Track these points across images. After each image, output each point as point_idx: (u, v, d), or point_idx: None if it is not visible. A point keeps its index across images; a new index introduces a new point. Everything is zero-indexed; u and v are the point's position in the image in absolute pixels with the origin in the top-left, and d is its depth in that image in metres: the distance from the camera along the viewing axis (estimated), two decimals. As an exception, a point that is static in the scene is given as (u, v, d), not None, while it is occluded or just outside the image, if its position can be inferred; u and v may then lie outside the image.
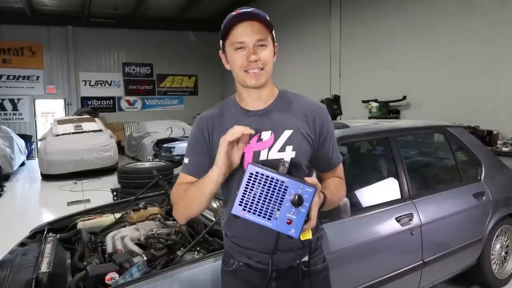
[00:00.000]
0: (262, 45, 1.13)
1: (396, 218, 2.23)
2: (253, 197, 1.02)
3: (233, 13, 1.13)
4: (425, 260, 2.34)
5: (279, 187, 1.02)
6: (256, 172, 1.03)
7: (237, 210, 1.03)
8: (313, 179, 1.04)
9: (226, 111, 1.26)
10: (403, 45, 6.85)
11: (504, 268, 3.01)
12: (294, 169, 1.15)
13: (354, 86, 8.01)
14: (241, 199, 1.03)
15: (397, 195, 2.36)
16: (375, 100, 7.03)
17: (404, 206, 2.32)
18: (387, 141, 2.46)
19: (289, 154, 1.16)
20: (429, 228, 2.35)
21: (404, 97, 6.68)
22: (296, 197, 0.99)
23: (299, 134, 1.19)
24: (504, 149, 4.69)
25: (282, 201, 1.01)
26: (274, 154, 1.16)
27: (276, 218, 1.01)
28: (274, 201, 1.02)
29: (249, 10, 1.13)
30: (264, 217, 1.02)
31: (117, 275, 1.74)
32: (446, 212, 2.48)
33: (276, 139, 1.18)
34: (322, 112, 1.25)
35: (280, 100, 1.24)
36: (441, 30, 6.13)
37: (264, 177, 1.02)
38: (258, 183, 1.02)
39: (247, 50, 1.13)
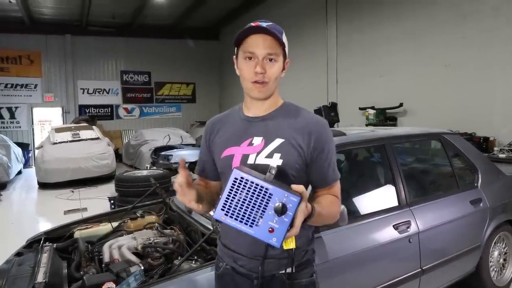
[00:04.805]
0: (271, 60, 1.19)
1: (393, 226, 2.23)
2: (236, 202, 1.00)
3: (252, 24, 1.18)
4: (423, 268, 2.34)
5: (263, 194, 0.99)
6: (241, 178, 1.01)
7: (219, 214, 1.02)
8: (299, 186, 1.01)
9: (230, 116, 1.36)
10: (399, 52, 6.90)
11: (502, 275, 3.01)
12: (280, 177, 1.15)
13: (351, 93, 8.06)
14: (224, 203, 1.01)
15: (395, 203, 2.36)
16: (372, 107, 7.07)
17: (401, 213, 2.32)
18: (384, 148, 2.48)
19: (276, 161, 1.19)
20: (426, 236, 2.35)
21: (401, 104, 6.72)
22: (280, 205, 0.97)
23: (290, 144, 1.21)
24: (500, 155, 4.71)
25: (266, 209, 0.99)
26: (261, 159, 1.20)
27: (258, 226, 0.99)
28: (257, 208, 0.99)
29: (265, 24, 1.17)
30: (246, 223, 1.00)
31: (114, 285, 1.73)
32: (443, 219, 2.49)
33: (266, 145, 1.22)
34: (321, 127, 1.25)
35: (281, 110, 1.28)
36: (436, 38, 6.20)
37: (249, 183, 1.00)
38: (243, 188, 1.00)
39: (255, 61, 1.18)
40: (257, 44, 1.17)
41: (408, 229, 2.27)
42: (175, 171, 7.48)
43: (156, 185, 2.97)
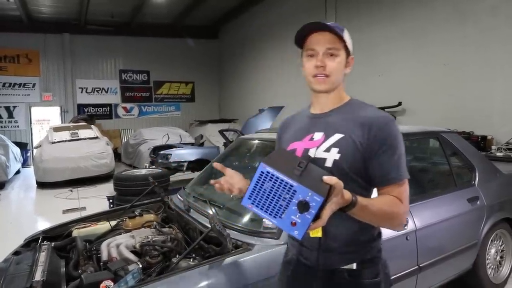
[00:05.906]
0: (331, 55, 1.22)
1: (391, 224, 2.24)
2: (262, 194, 1.06)
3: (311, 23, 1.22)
4: (420, 265, 2.34)
5: (288, 190, 1.03)
6: (267, 172, 1.05)
7: (246, 202, 1.08)
8: (332, 178, 0.99)
9: (299, 114, 1.44)
10: (398, 51, 6.91)
11: (499, 273, 3.03)
12: (337, 172, 1.16)
13: (350, 92, 7.85)
14: (251, 193, 1.07)
15: (392, 201, 2.36)
16: (371, 106, 7.07)
17: (399, 211, 2.33)
18: (382, 147, 2.48)
19: (333, 156, 1.21)
20: (424, 233, 2.36)
21: (400, 103, 6.73)
22: (302, 203, 1.00)
23: (350, 139, 1.21)
24: (498, 154, 4.72)
25: (289, 204, 1.03)
26: (320, 153, 1.23)
27: (282, 218, 1.04)
28: (281, 202, 1.03)
29: (322, 21, 1.22)
30: (270, 214, 1.05)
31: (112, 283, 1.74)
32: (441, 217, 2.50)
33: (325, 139, 1.25)
34: (383, 122, 1.21)
35: (345, 106, 1.31)
36: (435, 37, 6.21)
37: (274, 177, 1.04)
38: (268, 181, 1.05)
39: (316, 57, 1.23)
40: (317, 41, 1.21)
41: (405, 227, 2.28)
42: (174, 170, 7.50)
43: (155, 184, 2.97)
